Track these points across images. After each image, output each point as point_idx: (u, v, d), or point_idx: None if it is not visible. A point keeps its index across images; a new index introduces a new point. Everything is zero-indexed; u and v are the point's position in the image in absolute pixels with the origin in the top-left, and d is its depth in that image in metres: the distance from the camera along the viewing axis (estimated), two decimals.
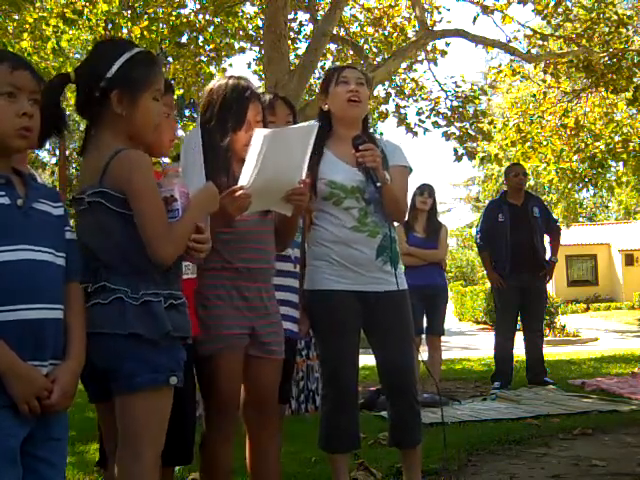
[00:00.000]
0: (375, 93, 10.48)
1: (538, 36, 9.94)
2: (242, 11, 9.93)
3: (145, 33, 8.48)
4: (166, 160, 2.71)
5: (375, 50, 10.69)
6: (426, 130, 10.47)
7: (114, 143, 2.00)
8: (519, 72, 10.91)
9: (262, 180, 2.35)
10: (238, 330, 2.46)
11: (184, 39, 9.07)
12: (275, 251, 2.65)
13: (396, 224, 3.15)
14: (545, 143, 11.61)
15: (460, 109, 10.41)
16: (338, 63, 10.40)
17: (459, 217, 75.43)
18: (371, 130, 3.27)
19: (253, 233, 2.52)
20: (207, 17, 9.16)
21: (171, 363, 1.99)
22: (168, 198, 2.03)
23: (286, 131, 2.45)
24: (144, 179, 1.96)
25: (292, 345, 2.98)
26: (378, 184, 2.76)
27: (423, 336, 6.01)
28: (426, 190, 6.12)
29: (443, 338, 6.46)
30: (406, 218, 4.42)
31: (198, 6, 9.32)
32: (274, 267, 2.63)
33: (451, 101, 10.50)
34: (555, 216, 8.65)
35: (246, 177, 2.35)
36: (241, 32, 9.91)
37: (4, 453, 1.67)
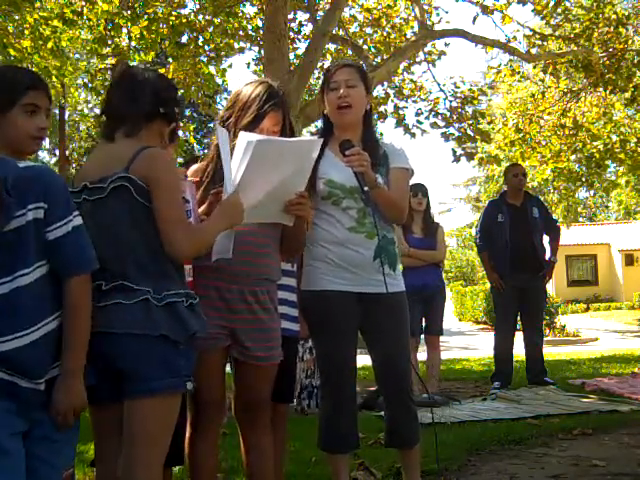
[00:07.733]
0: (374, 93, 10.46)
1: (537, 36, 9.94)
2: (242, 11, 9.93)
3: (145, 33, 8.47)
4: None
5: (374, 50, 10.69)
6: (424, 132, 10.46)
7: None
8: (518, 72, 10.91)
9: (258, 193, 2.32)
10: (214, 330, 2.36)
11: (184, 39, 9.06)
12: (274, 257, 2.57)
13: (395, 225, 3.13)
14: (544, 143, 11.61)
15: (459, 110, 10.40)
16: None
17: (459, 217, 75.48)
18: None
19: (240, 234, 2.37)
20: (207, 17, 9.16)
21: (187, 367, 1.97)
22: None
23: (280, 143, 2.36)
24: (174, 174, 2.05)
25: (291, 344, 2.95)
26: (365, 188, 2.71)
27: (422, 336, 6.02)
28: (420, 191, 6.11)
29: (443, 338, 6.46)
30: None
31: (198, 6, 9.32)
32: (268, 273, 2.53)
33: (450, 102, 10.49)
34: (555, 216, 8.64)
35: (228, 183, 2.26)
36: (241, 32, 9.90)
37: None
